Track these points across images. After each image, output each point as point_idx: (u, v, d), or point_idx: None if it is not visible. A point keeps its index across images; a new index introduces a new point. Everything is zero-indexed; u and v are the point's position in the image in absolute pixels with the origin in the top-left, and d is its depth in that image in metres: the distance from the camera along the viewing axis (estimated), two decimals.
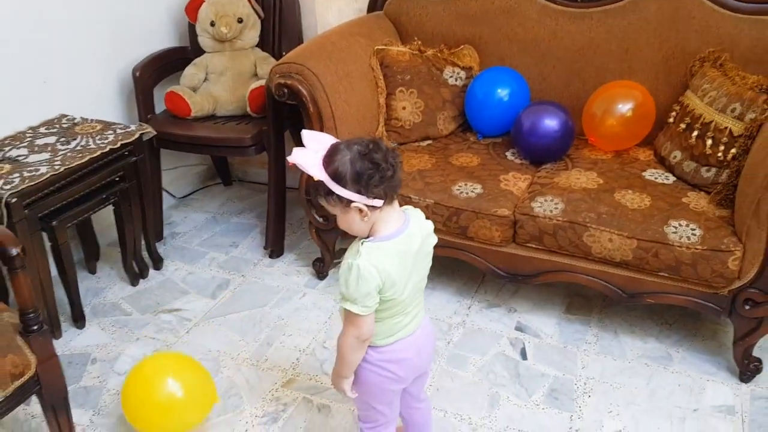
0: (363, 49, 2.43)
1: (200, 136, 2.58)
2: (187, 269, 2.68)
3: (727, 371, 2.07)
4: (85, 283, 2.56)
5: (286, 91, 2.21)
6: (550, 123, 2.23)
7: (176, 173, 3.13)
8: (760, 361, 2.01)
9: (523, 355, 2.17)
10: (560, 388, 2.05)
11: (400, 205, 1.43)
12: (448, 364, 2.15)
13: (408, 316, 1.47)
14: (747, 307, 1.92)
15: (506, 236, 2.11)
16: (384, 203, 1.35)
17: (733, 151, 2.01)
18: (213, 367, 2.14)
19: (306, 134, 1.38)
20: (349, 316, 1.39)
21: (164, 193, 2.95)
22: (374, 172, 1.32)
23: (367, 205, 1.34)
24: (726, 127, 2.04)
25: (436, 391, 2.04)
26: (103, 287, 2.58)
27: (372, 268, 1.34)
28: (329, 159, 1.33)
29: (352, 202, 1.33)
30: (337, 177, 1.33)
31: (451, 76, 2.53)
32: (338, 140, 1.38)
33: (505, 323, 2.30)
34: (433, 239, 1.50)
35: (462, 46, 2.57)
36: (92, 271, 2.65)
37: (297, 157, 1.34)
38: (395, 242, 1.39)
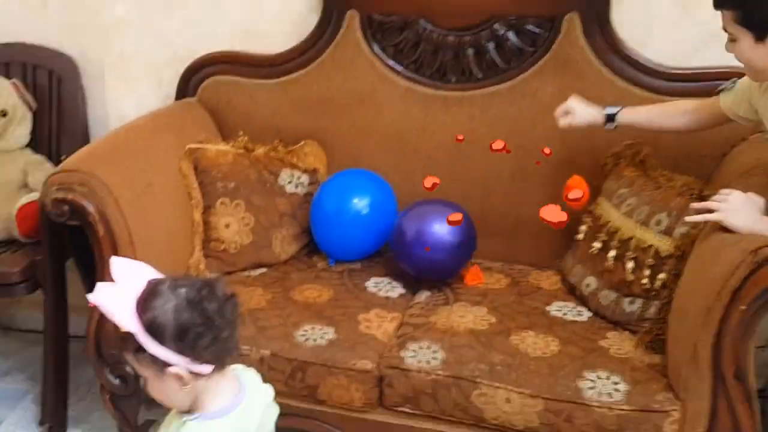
0: (171, 149, 2.48)
1: None
2: None
3: None
4: None
5: (66, 208, 2.17)
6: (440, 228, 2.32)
7: None
8: None
9: None
10: None
11: None
12: None
13: None
14: None
15: (370, 398, 2.09)
16: (214, 370, 1.37)
17: (662, 276, 2.06)
18: None
19: (117, 263, 1.38)
20: None
21: None
22: (205, 329, 1.32)
23: (190, 371, 1.34)
24: (650, 245, 2.11)
25: None
26: None
27: None
28: (146, 304, 1.32)
29: (169, 365, 1.33)
30: (153, 330, 1.32)
31: (289, 182, 2.58)
32: (161, 276, 1.39)
33: None
34: (274, 410, 1.53)
35: (303, 142, 2.64)
36: None
37: (102, 296, 1.33)
38: (229, 419, 1.40)
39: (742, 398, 1.80)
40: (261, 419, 1.46)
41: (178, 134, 2.51)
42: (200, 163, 2.47)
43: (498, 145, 2.30)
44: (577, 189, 2.22)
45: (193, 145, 2.49)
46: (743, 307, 1.72)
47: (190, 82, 2.75)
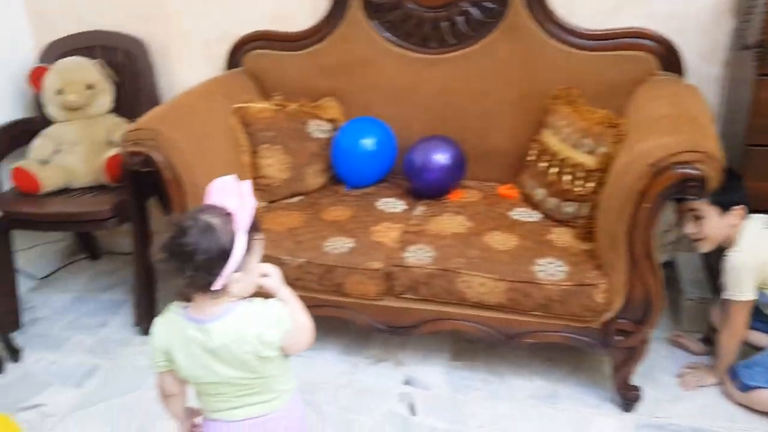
0: (222, 108, 2.48)
1: (54, 213, 2.55)
2: (50, 358, 2.58)
3: (611, 403, 2.17)
4: None
5: (138, 159, 2.19)
6: (441, 157, 2.42)
7: (35, 252, 3.05)
8: (638, 389, 2.12)
9: (412, 410, 2.19)
10: None
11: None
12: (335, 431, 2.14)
13: (223, 403, 1.50)
14: (619, 338, 2.02)
15: (382, 289, 2.16)
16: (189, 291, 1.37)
17: (590, 185, 2.12)
18: None
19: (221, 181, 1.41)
20: None
21: (22, 276, 2.88)
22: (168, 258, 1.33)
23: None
24: (580, 162, 2.16)
25: None
26: None
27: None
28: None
29: None
30: None
31: (315, 129, 2.61)
32: (212, 206, 1.38)
33: (392, 378, 2.34)
34: (266, 351, 1.41)
35: (324, 99, 2.66)
36: None
37: (220, 181, 1.39)
38: (189, 326, 1.40)
39: (650, 270, 1.92)
40: (227, 345, 1.39)
41: (228, 96, 2.52)
42: (245, 118, 2.49)
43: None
44: (510, 188, 2.48)
45: (238, 105, 2.50)
46: (647, 205, 1.83)
47: (235, 55, 2.76)
